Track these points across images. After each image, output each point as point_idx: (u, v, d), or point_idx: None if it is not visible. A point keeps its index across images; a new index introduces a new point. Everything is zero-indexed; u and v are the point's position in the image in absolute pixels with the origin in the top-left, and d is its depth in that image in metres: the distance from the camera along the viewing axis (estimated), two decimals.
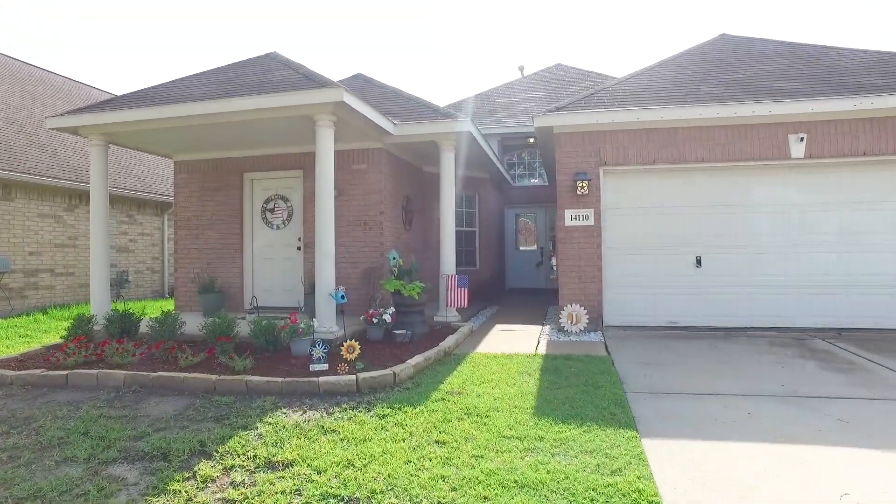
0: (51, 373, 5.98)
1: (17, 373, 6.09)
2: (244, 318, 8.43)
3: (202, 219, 10.25)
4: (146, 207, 15.04)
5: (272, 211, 10.11)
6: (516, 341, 7.65)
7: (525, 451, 3.76)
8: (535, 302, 12.81)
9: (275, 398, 5.11)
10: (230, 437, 4.10)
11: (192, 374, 5.61)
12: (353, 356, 5.52)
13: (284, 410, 4.73)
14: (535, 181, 16.54)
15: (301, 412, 4.68)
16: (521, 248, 16.45)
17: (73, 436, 4.27)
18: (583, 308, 8.27)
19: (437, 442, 3.94)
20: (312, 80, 7.56)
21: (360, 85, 11.16)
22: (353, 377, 5.32)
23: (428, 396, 4.97)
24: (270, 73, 8.35)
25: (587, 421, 4.31)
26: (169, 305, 12.36)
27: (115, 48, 76.53)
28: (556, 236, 15.98)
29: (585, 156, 8.52)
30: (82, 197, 12.84)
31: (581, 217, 8.51)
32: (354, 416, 4.52)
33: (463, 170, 12.08)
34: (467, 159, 10.98)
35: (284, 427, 4.30)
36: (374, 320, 7.38)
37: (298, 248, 9.91)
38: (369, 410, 4.65)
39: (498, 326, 9.02)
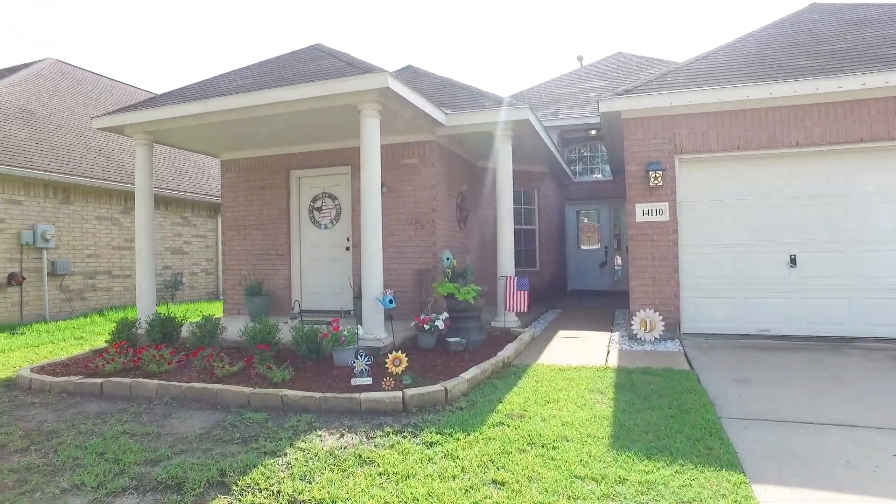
0: (87, 381, 5.69)
1: (56, 379, 5.84)
2: (287, 323, 8.00)
3: (249, 219, 9.95)
4: (200, 209, 15.07)
5: (320, 210, 9.69)
6: (583, 351, 6.84)
7: (604, 499, 3.01)
8: (601, 305, 11.87)
9: (311, 416, 4.55)
10: (254, 466, 3.55)
11: (226, 387, 5.15)
12: (399, 369, 4.89)
13: (320, 432, 4.15)
14: (597, 176, 15.54)
15: (338, 435, 4.09)
16: (584, 247, 15.48)
17: (89, 457, 3.84)
18: (657, 313, 7.36)
19: (494, 482, 3.24)
20: (356, 67, 7.03)
21: (410, 76, 10.60)
22: (399, 394, 4.70)
23: (484, 419, 4.28)
24: (313, 63, 7.89)
25: (678, 457, 3.50)
26: (220, 308, 12.21)
27: (117, 48, 77.65)
28: (620, 234, 14.98)
29: (658, 143, 7.59)
30: None
31: (654, 212, 7.59)
32: (398, 442, 3.88)
33: (521, 163, 11.32)
34: (525, 152, 10.22)
35: (317, 455, 3.71)
36: (426, 327, 6.75)
37: (347, 249, 9.44)
38: (415, 435, 4.00)
39: (561, 333, 8.22)
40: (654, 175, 7.43)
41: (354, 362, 5.04)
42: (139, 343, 7.13)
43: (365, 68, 6.88)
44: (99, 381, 5.62)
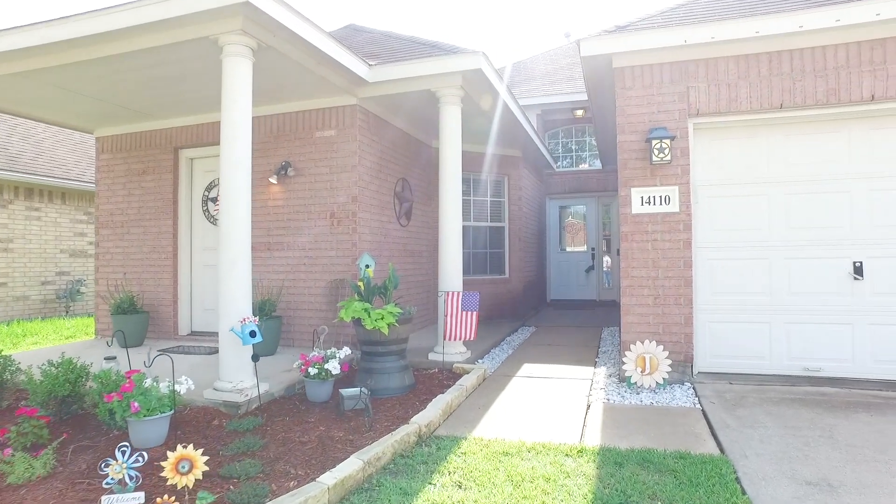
0: None
1: None
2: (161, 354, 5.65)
3: (128, 213, 7.62)
4: None
5: (215, 200, 7.36)
6: (550, 407, 4.53)
7: None
8: (586, 320, 9.59)
9: None
10: None
11: None
12: (187, 479, 2.56)
13: None
14: (584, 166, 13.27)
15: None
16: (568, 250, 13.16)
17: None
18: (661, 347, 5.09)
19: None
20: None
21: (347, 34, 8.30)
22: None
23: None
24: None
25: None
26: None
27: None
28: (610, 234, 12.73)
29: (665, 101, 5.33)
30: (20, 190, 10.54)
31: (658, 200, 5.32)
32: None
33: (484, 143, 9.05)
34: (488, 125, 7.91)
35: None
36: (311, 371, 4.44)
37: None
38: None
39: (526, 368, 5.92)
40: (658, 146, 5.15)
41: (107, 466, 2.70)
42: None
43: None
44: None
